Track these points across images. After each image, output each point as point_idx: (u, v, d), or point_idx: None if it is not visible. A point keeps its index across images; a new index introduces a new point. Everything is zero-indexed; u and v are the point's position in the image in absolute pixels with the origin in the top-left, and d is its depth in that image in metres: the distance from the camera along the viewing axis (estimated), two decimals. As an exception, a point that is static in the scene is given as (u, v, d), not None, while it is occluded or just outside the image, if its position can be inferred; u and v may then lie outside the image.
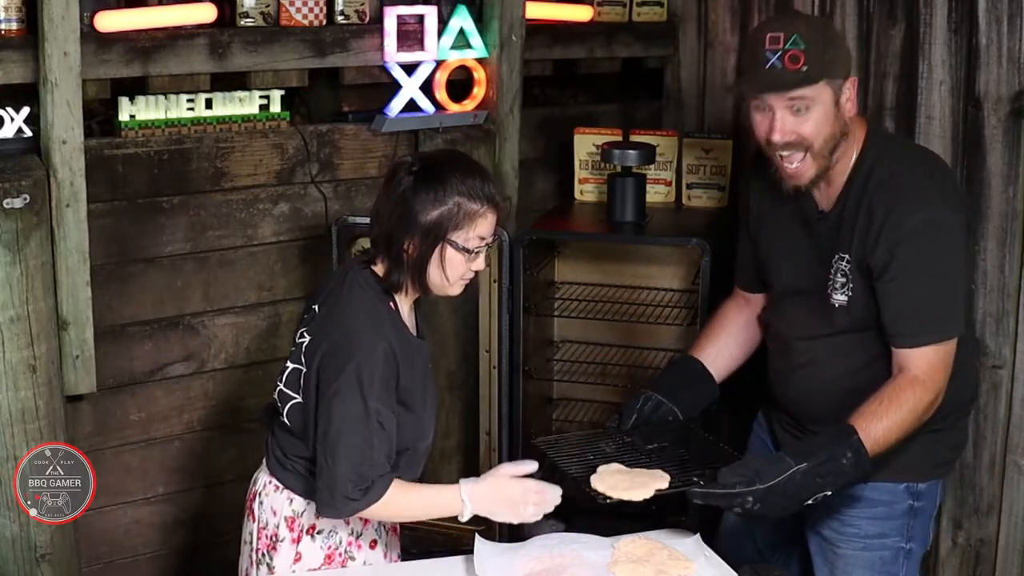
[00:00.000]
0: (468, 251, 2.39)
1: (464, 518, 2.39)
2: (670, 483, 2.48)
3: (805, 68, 2.46)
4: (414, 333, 2.49)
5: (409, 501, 2.40)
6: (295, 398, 2.44)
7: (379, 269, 2.45)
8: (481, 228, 2.40)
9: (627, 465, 2.55)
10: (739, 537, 2.92)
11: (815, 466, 2.37)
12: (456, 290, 2.47)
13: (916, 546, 2.72)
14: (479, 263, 2.44)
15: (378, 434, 2.33)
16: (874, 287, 2.54)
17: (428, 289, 2.44)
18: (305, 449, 2.45)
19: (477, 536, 2.49)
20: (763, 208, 2.78)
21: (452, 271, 2.41)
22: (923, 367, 2.49)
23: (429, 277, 2.41)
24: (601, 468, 2.53)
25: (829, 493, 2.40)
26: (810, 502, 2.39)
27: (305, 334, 2.46)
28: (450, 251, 2.38)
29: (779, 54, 2.46)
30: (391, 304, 2.44)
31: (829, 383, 2.64)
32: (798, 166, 2.54)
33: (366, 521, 2.52)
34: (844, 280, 2.58)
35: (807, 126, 2.50)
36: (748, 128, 2.64)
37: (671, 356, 3.36)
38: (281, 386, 2.48)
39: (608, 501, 2.45)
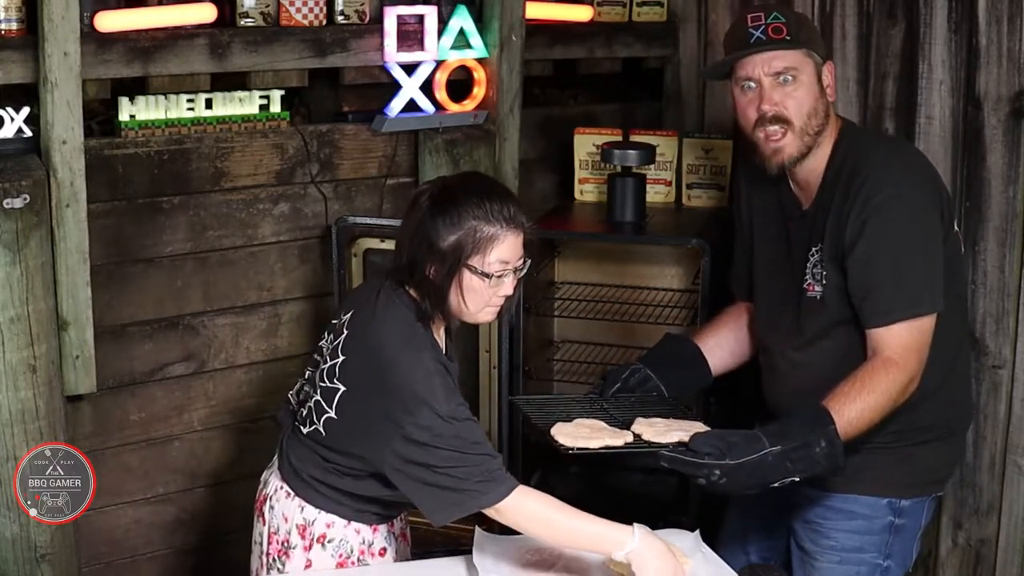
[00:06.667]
0: (487, 276, 2.34)
1: (620, 554, 2.28)
2: (635, 442, 2.46)
3: (788, 37, 2.55)
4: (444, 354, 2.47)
5: (563, 521, 2.31)
6: (328, 413, 2.40)
7: (413, 292, 2.42)
8: (501, 252, 2.33)
9: None
10: (732, 547, 2.91)
11: (788, 450, 2.35)
12: (485, 317, 2.42)
13: (894, 564, 2.69)
14: (505, 288, 2.38)
15: (470, 429, 2.29)
16: (846, 271, 2.53)
17: (451, 315, 2.40)
18: (323, 464, 2.43)
19: (477, 528, 2.50)
20: (752, 212, 2.82)
21: (472, 298, 2.36)
22: (896, 348, 2.46)
23: (449, 304, 2.37)
24: (563, 423, 2.55)
25: (797, 479, 2.37)
26: (776, 485, 2.36)
27: (339, 352, 2.41)
28: (469, 277, 2.34)
29: (762, 28, 2.56)
30: (425, 324, 2.41)
31: (822, 393, 2.56)
32: (781, 141, 2.57)
33: (375, 529, 2.51)
34: (819, 272, 2.59)
35: (792, 99, 2.56)
36: (732, 111, 2.68)
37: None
38: (317, 396, 2.43)
39: (569, 451, 2.45)
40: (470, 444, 2.28)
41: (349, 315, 2.46)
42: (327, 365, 2.44)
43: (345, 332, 2.43)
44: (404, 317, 2.38)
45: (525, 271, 2.43)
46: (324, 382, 2.42)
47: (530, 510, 2.31)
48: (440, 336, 2.47)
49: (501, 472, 2.30)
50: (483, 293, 2.36)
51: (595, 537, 2.31)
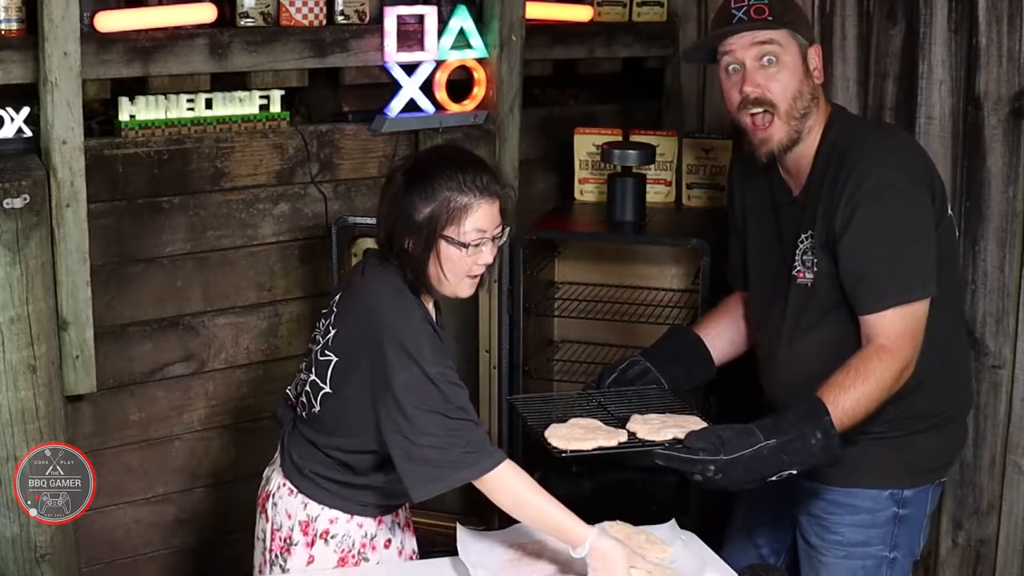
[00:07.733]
0: (464, 245, 2.36)
1: (579, 552, 2.30)
2: (629, 441, 2.45)
3: (770, 18, 2.54)
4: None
5: (534, 502, 2.32)
6: (324, 389, 2.42)
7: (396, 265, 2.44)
8: (476, 220, 2.35)
9: None
10: (741, 540, 2.92)
11: (783, 443, 2.34)
12: (464, 290, 2.43)
13: (901, 555, 2.68)
14: (484, 257, 2.40)
15: (456, 393, 2.30)
16: (837, 257, 2.53)
17: (432, 288, 2.42)
18: (325, 460, 2.44)
19: (459, 524, 2.51)
20: (745, 204, 2.81)
21: (451, 268, 2.38)
22: (889, 335, 2.45)
23: (429, 276, 2.39)
24: (558, 424, 2.52)
25: (794, 472, 2.37)
26: (773, 479, 2.36)
27: (331, 328, 2.44)
28: (446, 247, 2.36)
29: (744, 9, 2.55)
30: (414, 292, 2.42)
31: (817, 382, 2.54)
32: (769, 130, 2.57)
33: (379, 521, 2.52)
34: (809, 259, 2.58)
35: (776, 82, 2.55)
36: (720, 95, 2.66)
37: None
38: (313, 376, 2.45)
39: (563, 455, 2.42)
40: (455, 409, 2.29)
41: (338, 296, 2.50)
42: (319, 346, 2.46)
43: (335, 311, 2.46)
44: (391, 281, 2.40)
45: (505, 239, 2.46)
46: (318, 359, 2.45)
47: (510, 485, 2.32)
48: (430, 308, 2.48)
49: (486, 443, 2.32)
50: (461, 263, 2.38)
51: (556, 525, 2.32)
